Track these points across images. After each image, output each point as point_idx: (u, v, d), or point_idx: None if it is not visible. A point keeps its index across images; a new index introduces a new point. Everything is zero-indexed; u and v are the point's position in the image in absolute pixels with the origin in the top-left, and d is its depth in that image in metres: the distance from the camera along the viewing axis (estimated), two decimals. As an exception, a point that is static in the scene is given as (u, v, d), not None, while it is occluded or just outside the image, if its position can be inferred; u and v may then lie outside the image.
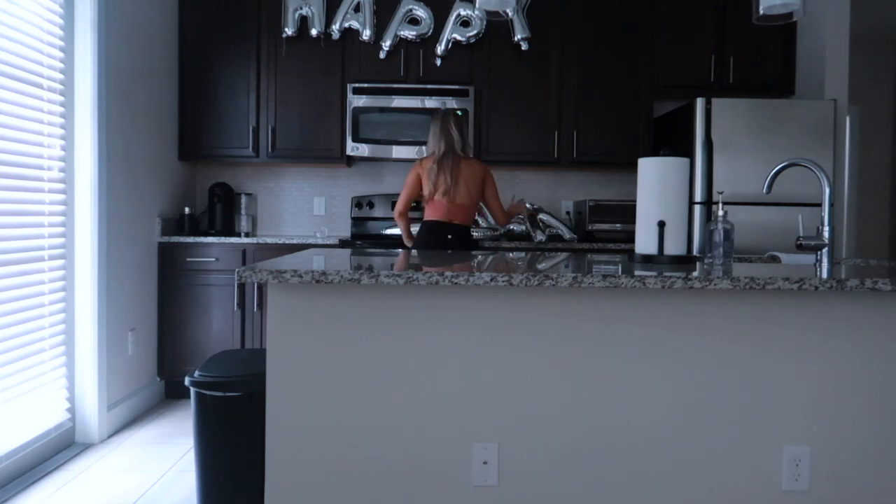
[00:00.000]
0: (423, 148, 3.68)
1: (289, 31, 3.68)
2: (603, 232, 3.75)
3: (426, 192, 3.14)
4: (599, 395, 1.69)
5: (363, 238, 3.74)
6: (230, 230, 3.87)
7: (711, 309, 1.69)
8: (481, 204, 3.29)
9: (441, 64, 3.77)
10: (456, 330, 1.67)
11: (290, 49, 3.75)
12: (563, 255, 2.37)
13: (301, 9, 3.66)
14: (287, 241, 3.54)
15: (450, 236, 3.13)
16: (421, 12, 3.68)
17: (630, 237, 3.74)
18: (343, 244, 3.56)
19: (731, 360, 1.69)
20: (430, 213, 3.17)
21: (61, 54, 2.77)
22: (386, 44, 3.69)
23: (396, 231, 3.94)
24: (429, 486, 1.68)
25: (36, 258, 2.61)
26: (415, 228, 3.29)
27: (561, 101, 3.81)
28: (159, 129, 3.54)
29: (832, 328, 1.69)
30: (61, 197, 2.78)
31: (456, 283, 1.51)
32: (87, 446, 2.85)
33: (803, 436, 1.71)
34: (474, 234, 3.62)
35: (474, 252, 2.44)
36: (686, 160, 1.95)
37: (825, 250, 1.98)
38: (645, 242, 1.96)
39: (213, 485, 1.94)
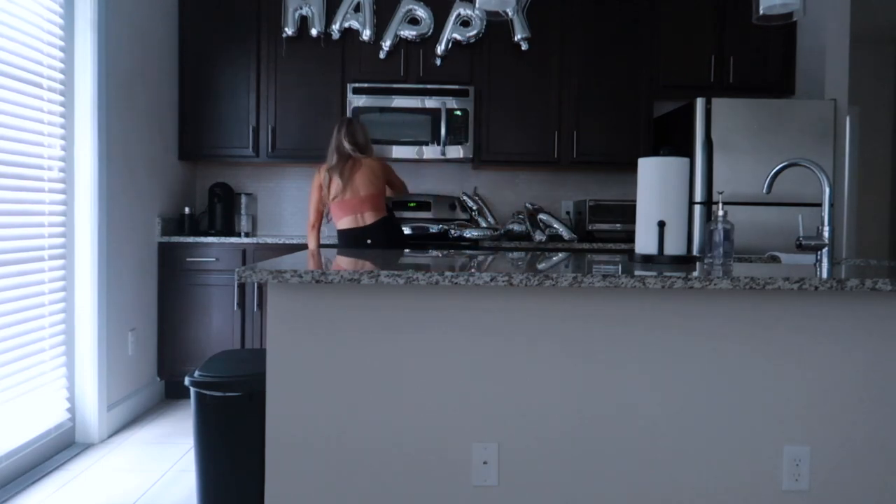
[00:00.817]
0: (423, 148, 3.69)
1: (289, 31, 3.68)
2: (603, 232, 3.75)
3: (328, 198, 3.13)
4: (599, 394, 1.69)
5: (363, 238, 3.73)
6: (230, 230, 3.87)
7: (711, 309, 1.69)
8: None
9: (441, 64, 3.77)
10: (456, 330, 1.67)
11: (290, 49, 3.75)
12: (563, 255, 2.37)
13: (301, 9, 3.66)
14: (287, 241, 3.54)
15: (369, 241, 3.08)
16: (421, 12, 3.68)
17: (630, 237, 3.74)
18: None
19: (731, 359, 1.70)
20: (337, 220, 3.13)
21: (61, 54, 2.77)
22: (386, 44, 3.69)
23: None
24: (429, 486, 1.68)
25: (36, 258, 2.61)
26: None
27: (561, 101, 3.81)
28: (159, 129, 3.54)
29: (832, 328, 1.69)
30: (61, 197, 2.78)
31: (456, 283, 1.51)
32: (87, 446, 2.85)
33: (803, 436, 1.71)
34: (473, 234, 3.61)
35: (474, 252, 2.43)
36: (686, 160, 1.95)
37: (825, 250, 1.98)
38: (645, 242, 1.96)
39: (213, 485, 1.94)
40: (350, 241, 3.11)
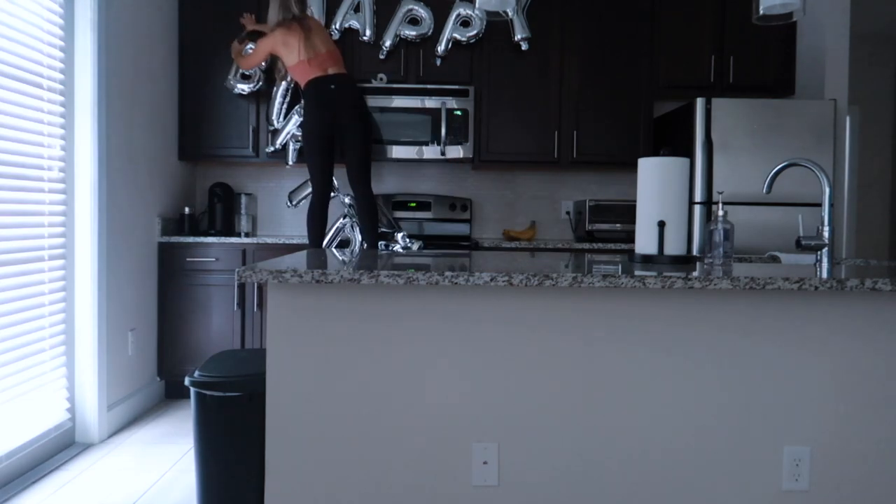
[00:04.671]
0: (423, 148, 3.68)
1: (289, 31, 3.67)
2: (603, 232, 3.75)
3: (291, 60, 3.23)
4: (599, 395, 1.69)
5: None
6: (230, 230, 3.86)
7: (711, 309, 1.69)
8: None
9: (441, 64, 3.77)
10: (456, 330, 1.67)
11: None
12: (564, 255, 2.37)
13: (301, 9, 3.66)
14: (287, 241, 3.54)
15: (332, 86, 3.20)
16: (421, 12, 3.68)
17: (630, 237, 3.74)
18: (343, 244, 3.56)
19: (731, 360, 1.70)
20: (308, 74, 3.22)
21: (61, 54, 2.77)
22: (386, 44, 3.69)
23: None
24: (429, 486, 1.69)
25: (36, 258, 2.61)
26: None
27: (561, 101, 3.81)
28: (159, 129, 3.54)
29: (832, 328, 1.69)
30: (61, 197, 2.78)
31: (456, 283, 1.51)
32: (87, 446, 2.85)
33: (803, 436, 1.71)
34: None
35: (474, 252, 2.43)
36: (686, 160, 1.95)
37: (825, 250, 1.98)
38: (645, 242, 1.96)
39: (213, 485, 1.94)
40: (315, 87, 3.21)
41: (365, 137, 3.28)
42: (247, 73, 3.68)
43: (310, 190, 3.69)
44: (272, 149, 3.70)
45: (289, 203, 3.80)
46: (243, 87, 3.68)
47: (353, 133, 3.24)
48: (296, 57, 3.21)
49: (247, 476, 1.92)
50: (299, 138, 3.66)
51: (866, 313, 1.69)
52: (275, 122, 3.70)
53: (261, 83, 3.70)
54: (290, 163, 3.73)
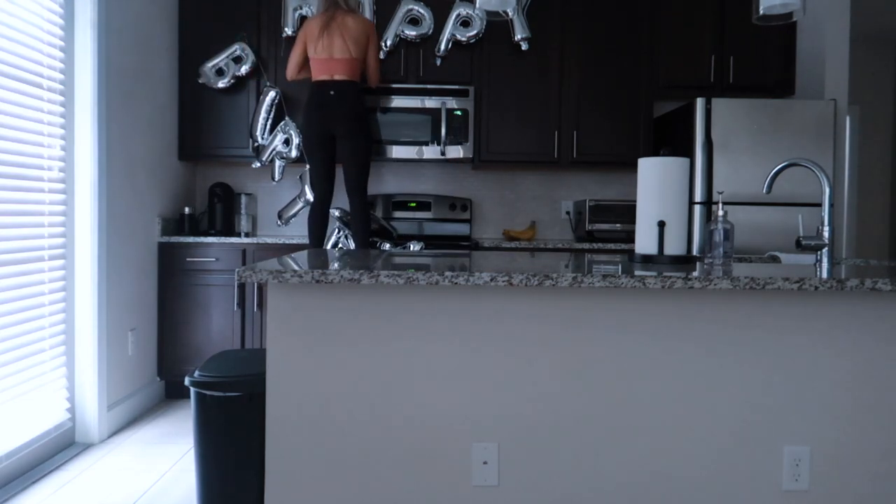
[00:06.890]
0: (423, 148, 3.68)
1: (289, 31, 3.67)
2: (603, 232, 3.75)
3: (309, 53, 3.28)
4: (599, 394, 1.69)
5: (363, 238, 3.72)
6: (230, 230, 3.86)
7: (711, 309, 1.69)
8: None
9: (441, 64, 3.77)
10: (456, 330, 1.67)
11: (289, 49, 3.74)
12: (564, 255, 2.37)
13: (301, 9, 3.66)
14: (287, 241, 3.54)
15: (332, 93, 3.21)
16: (421, 12, 3.68)
17: (630, 237, 3.74)
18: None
19: (731, 360, 1.70)
20: (315, 73, 3.27)
21: (61, 54, 2.77)
22: (386, 43, 3.69)
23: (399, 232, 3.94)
24: (429, 486, 1.69)
25: (36, 258, 2.61)
26: None
27: (561, 101, 3.81)
28: (159, 129, 3.54)
29: (832, 328, 1.69)
30: (61, 197, 2.78)
31: (456, 283, 1.51)
32: (87, 446, 2.85)
33: (803, 436, 1.71)
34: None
35: (474, 252, 2.43)
36: (686, 160, 1.95)
37: (825, 250, 1.98)
38: (645, 242, 1.96)
39: (213, 485, 1.94)
40: (314, 91, 3.24)
41: (356, 150, 3.26)
42: (222, 68, 3.68)
43: (299, 206, 3.74)
44: (258, 164, 3.67)
45: (279, 222, 3.82)
46: (220, 82, 3.68)
47: (344, 144, 3.25)
48: (312, 51, 3.25)
49: (247, 476, 1.92)
50: (285, 155, 3.65)
51: (866, 313, 1.69)
52: (258, 138, 3.66)
53: (233, 80, 3.69)
54: (276, 178, 3.73)
